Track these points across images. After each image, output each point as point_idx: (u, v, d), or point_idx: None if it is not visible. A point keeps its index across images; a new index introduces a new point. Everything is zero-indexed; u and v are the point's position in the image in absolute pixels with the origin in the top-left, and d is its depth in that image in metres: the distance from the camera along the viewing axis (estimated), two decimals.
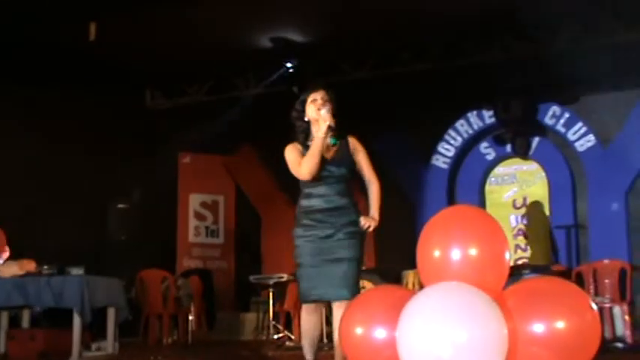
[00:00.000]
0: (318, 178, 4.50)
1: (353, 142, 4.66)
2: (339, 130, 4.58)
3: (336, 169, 4.54)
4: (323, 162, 4.50)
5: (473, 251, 2.65)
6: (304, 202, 4.58)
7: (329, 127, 4.44)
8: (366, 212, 4.60)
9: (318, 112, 4.51)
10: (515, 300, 2.68)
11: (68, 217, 10.20)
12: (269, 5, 8.88)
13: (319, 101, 4.55)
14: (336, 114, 4.54)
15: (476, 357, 2.42)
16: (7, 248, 8.85)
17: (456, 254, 2.65)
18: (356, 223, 4.50)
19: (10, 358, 7.62)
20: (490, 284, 2.67)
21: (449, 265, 2.66)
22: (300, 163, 4.51)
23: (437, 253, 2.69)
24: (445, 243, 2.67)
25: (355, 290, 4.38)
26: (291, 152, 4.60)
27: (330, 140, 4.50)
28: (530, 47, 9.64)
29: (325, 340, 7.88)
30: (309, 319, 4.63)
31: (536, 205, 10.92)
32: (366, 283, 9.54)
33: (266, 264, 12.33)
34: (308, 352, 4.62)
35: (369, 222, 4.50)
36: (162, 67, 10.52)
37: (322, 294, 4.47)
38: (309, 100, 4.60)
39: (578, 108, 10.60)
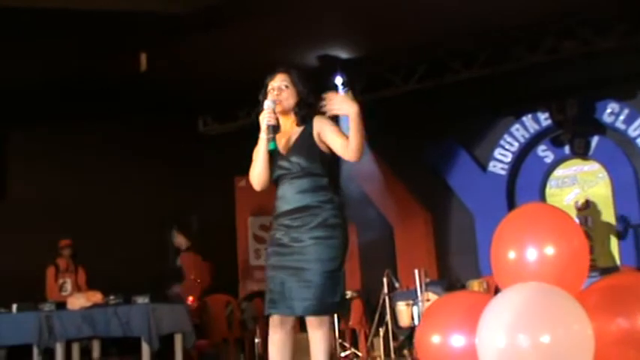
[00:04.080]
0: (274, 180, 3.78)
1: (317, 124, 3.74)
2: (304, 115, 3.80)
3: (290, 163, 3.73)
4: (275, 159, 3.76)
5: (550, 250, 2.54)
6: (275, 207, 3.84)
7: (269, 127, 3.69)
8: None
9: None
10: (597, 298, 2.58)
11: (128, 247, 10.29)
12: (314, 24, 8.87)
13: (275, 91, 3.83)
14: (302, 98, 3.83)
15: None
16: (86, 287, 9.00)
17: (532, 254, 2.55)
18: (329, 224, 3.66)
19: None
20: (570, 283, 2.57)
21: (526, 266, 2.55)
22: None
23: (512, 254, 2.59)
24: (521, 243, 2.57)
25: (326, 304, 3.67)
26: (253, 156, 3.86)
27: (269, 145, 3.69)
28: (579, 46, 9.46)
29: None
30: (272, 339, 3.80)
31: (599, 206, 10.68)
32: (430, 295, 9.42)
33: None
34: None
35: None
36: (212, 92, 10.58)
37: (284, 307, 3.70)
38: (269, 90, 3.87)
39: (637, 103, 10.33)
